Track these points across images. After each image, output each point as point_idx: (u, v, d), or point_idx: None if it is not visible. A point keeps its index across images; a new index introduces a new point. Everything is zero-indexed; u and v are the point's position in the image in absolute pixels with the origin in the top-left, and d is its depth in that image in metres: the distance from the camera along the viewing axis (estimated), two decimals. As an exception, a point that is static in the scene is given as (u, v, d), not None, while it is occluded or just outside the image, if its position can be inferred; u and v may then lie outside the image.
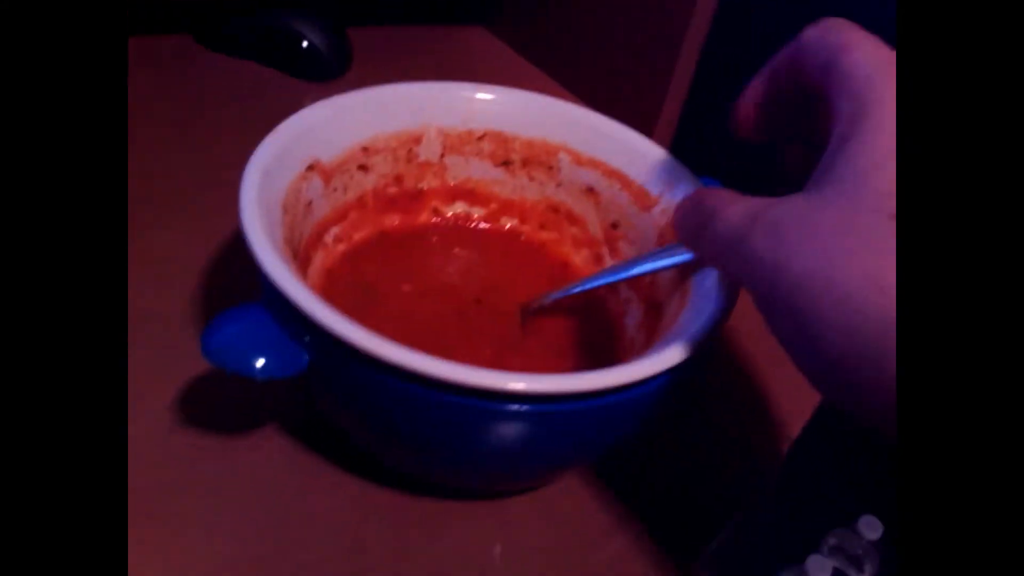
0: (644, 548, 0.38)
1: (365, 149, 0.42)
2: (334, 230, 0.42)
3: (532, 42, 0.77)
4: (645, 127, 0.67)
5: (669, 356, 0.31)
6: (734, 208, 0.29)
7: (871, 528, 0.99)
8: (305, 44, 0.63)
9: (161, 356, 0.40)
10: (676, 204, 0.34)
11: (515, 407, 0.30)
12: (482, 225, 0.47)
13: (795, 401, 0.46)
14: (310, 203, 0.39)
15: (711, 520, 0.37)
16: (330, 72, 0.65)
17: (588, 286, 0.39)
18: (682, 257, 0.35)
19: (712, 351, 0.33)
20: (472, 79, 0.45)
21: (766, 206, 0.27)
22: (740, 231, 0.28)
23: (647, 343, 0.37)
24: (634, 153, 0.43)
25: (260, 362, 0.30)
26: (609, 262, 0.44)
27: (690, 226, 0.32)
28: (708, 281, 0.35)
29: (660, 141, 0.67)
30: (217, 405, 0.39)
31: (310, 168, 0.38)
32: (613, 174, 0.43)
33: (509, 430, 0.32)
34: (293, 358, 0.31)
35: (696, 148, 0.69)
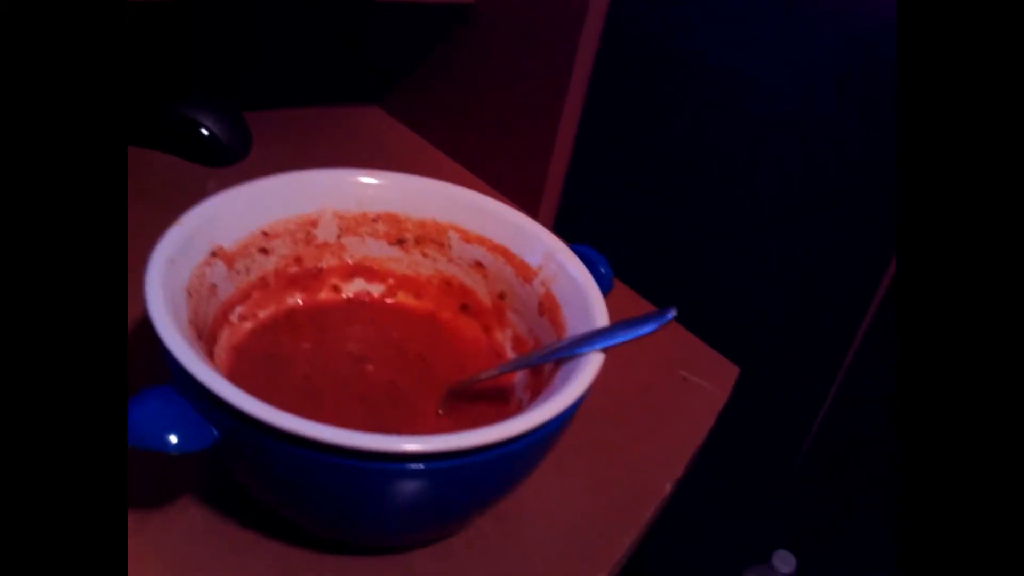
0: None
1: (265, 234, 0.45)
2: (239, 309, 0.44)
3: (424, 120, 0.82)
4: (531, 197, 0.72)
5: (545, 412, 0.34)
6: None
7: (785, 563, 1.06)
8: (205, 132, 0.66)
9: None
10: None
11: (412, 467, 0.33)
12: (387, 300, 0.50)
13: (672, 437, 0.50)
14: (214, 286, 0.42)
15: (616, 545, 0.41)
16: (231, 157, 0.68)
17: (507, 370, 0.44)
18: (587, 348, 0.39)
19: (581, 402, 0.37)
20: (369, 157, 0.48)
21: None
22: None
23: (531, 401, 0.41)
24: (515, 229, 0.47)
25: (173, 439, 0.33)
26: (497, 331, 0.48)
27: None
28: (579, 348, 0.39)
29: (546, 210, 0.72)
30: (133, 479, 0.41)
31: (213, 254, 0.41)
32: (497, 249, 0.47)
33: (407, 488, 0.35)
34: (203, 433, 0.33)
35: (577, 216, 0.74)
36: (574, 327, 0.42)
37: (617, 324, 0.39)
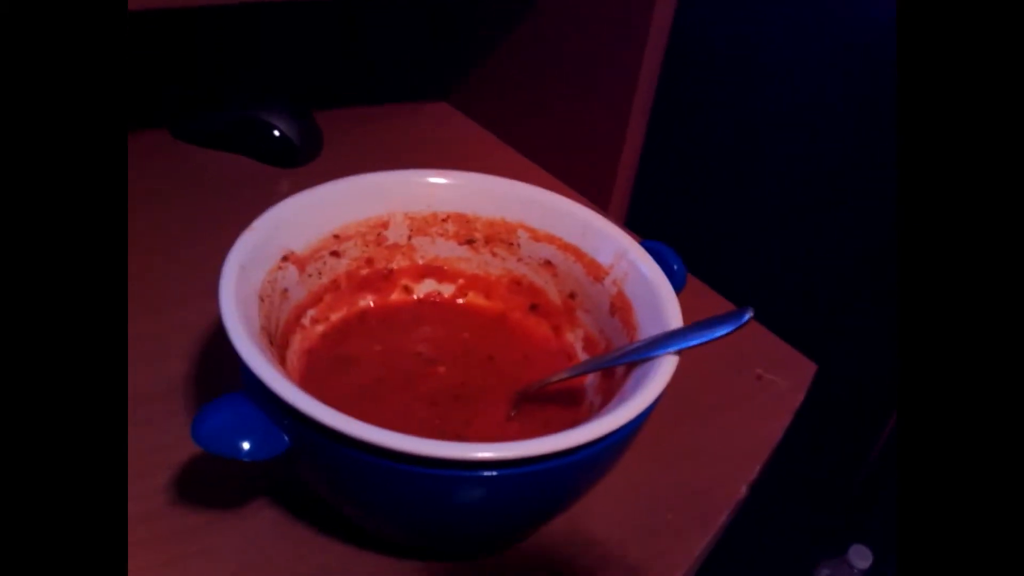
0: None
1: (336, 237, 0.45)
2: (311, 312, 0.45)
3: (492, 115, 0.81)
4: (602, 190, 0.71)
5: (618, 418, 0.34)
6: None
7: (861, 557, 1.04)
8: (277, 133, 0.67)
9: (153, 439, 0.42)
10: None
11: (484, 474, 0.33)
12: (457, 300, 0.50)
13: (747, 438, 0.49)
14: (286, 290, 0.42)
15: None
16: (302, 157, 0.69)
17: (579, 372, 0.43)
18: (661, 351, 0.38)
19: (655, 406, 0.36)
20: (438, 153, 0.48)
21: None
22: None
23: (603, 404, 0.40)
24: (586, 227, 0.46)
25: (246, 446, 0.33)
26: (567, 332, 0.47)
27: None
28: (652, 351, 0.38)
29: (617, 203, 0.71)
30: (209, 482, 0.42)
31: (284, 259, 0.42)
32: (567, 248, 0.46)
33: (479, 495, 0.34)
34: (275, 440, 0.33)
35: (649, 209, 0.73)
36: (647, 328, 0.41)
37: (692, 326, 0.38)
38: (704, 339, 0.37)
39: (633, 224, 0.72)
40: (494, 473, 0.33)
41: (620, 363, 0.40)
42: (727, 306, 0.61)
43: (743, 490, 0.46)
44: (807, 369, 0.57)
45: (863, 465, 0.91)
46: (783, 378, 0.55)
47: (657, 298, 0.41)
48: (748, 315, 0.37)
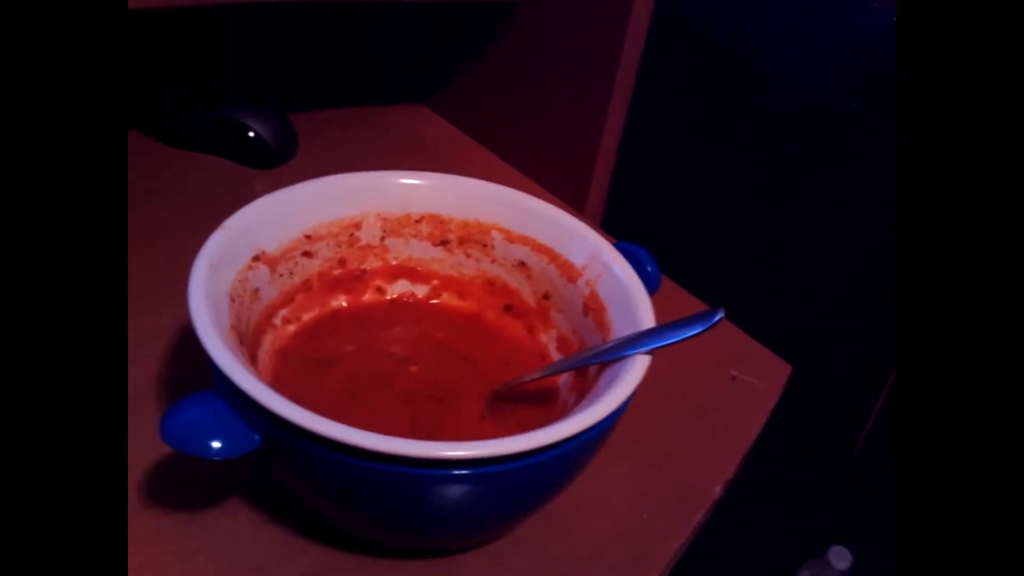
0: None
1: (308, 237, 0.45)
2: (282, 312, 0.45)
3: (470, 118, 0.81)
4: (578, 193, 0.71)
5: (589, 416, 0.34)
6: None
7: (841, 558, 1.04)
8: (252, 135, 0.66)
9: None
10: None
11: (456, 472, 0.32)
12: (431, 301, 0.50)
13: (722, 438, 0.49)
14: (257, 290, 0.42)
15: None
16: (277, 159, 0.68)
17: (551, 372, 0.43)
18: (633, 350, 0.38)
19: (627, 406, 0.36)
20: (416, 156, 0.48)
21: None
22: None
23: (576, 403, 0.40)
24: (560, 229, 0.46)
25: (216, 444, 0.33)
26: (541, 332, 0.47)
27: None
28: (624, 351, 0.38)
29: (593, 206, 0.71)
30: (181, 483, 0.41)
31: (255, 259, 0.41)
32: (542, 249, 0.46)
33: (451, 494, 0.34)
34: (245, 439, 0.33)
35: (625, 212, 0.73)
36: (619, 328, 0.41)
37: (663, 326, 0.38)
38: (675, 339, 0.37)
39: (609, 226, 0.72)
40: (466, 472, 0.33)
41: (593, 363, 0.40)
42: (702, 308, 0.61)
43: (717, 490, 0.46)
44: (782, 370, 0.57)
45: (843, 466, 0.91)
46: (758, 379, 0.55)
47: (630, 299, 0.42)
48: (719, 315, 0.37)
